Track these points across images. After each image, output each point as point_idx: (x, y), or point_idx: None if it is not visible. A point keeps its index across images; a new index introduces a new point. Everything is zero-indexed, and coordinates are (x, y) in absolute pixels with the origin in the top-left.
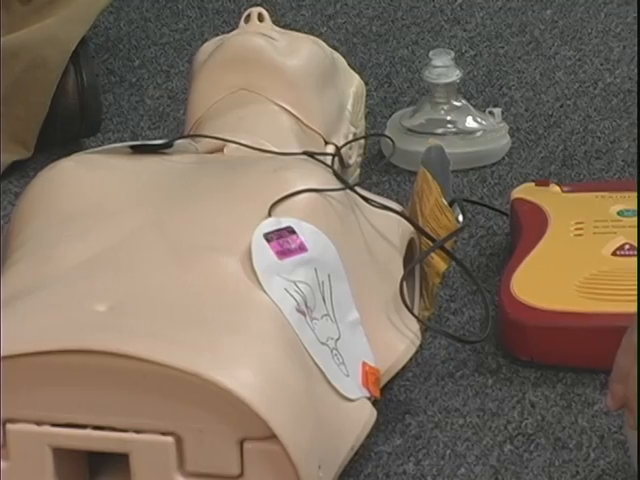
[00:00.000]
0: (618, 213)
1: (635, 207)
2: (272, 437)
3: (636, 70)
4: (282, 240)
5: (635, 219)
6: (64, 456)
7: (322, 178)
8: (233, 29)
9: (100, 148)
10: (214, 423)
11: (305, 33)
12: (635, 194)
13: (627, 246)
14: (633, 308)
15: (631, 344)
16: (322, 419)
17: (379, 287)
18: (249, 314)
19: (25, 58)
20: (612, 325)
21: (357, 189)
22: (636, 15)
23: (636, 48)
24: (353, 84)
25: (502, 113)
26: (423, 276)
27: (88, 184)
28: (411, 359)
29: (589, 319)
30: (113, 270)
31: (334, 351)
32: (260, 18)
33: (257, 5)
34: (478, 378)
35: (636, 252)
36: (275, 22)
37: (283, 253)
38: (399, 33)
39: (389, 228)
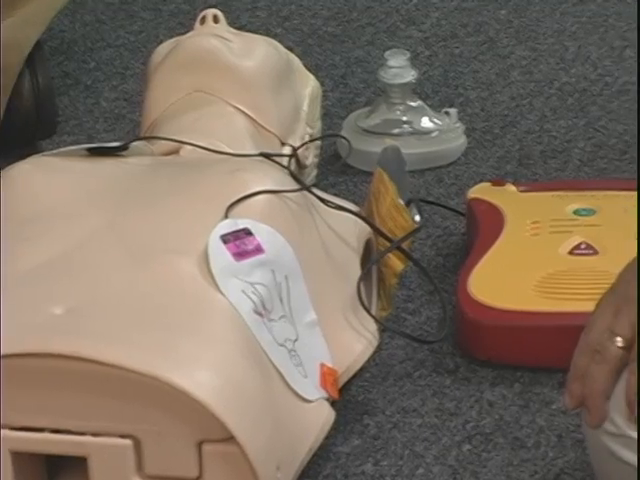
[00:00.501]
0: (574, 212)
1: (590, 206)
2: (230, 439)
3: (591, 69)
4: (239, 242)
5: (591, 218)
6: (23, 460)
7: (279, 179)
8: (188, 31)
9: (56, 151)
10: (172, 425)
11: (260, 34)
12: (591, 193)
13: (583, 245)
14: (590, 307)
15: (588, 343)
16: (280, 420)
17: (336, 288)
18: (206, 316)
19: None
20: (569, 324)
21: (314, 190)
22: (591, 15)
23: (590, 48)
24: (309, 85)
25: (458, 113)
26: (380, 276)
27: (44, 187)
28: (369, 359)
29: (546, 318)
30: (70, 273)
31: (292, 352)
32: (215, 20)
33: (212, 7)
34: (436, 378)
35: (592, 251)
36: (230, 24)
37: (240, 255)
38: (354, 34)
39: (346, 229)
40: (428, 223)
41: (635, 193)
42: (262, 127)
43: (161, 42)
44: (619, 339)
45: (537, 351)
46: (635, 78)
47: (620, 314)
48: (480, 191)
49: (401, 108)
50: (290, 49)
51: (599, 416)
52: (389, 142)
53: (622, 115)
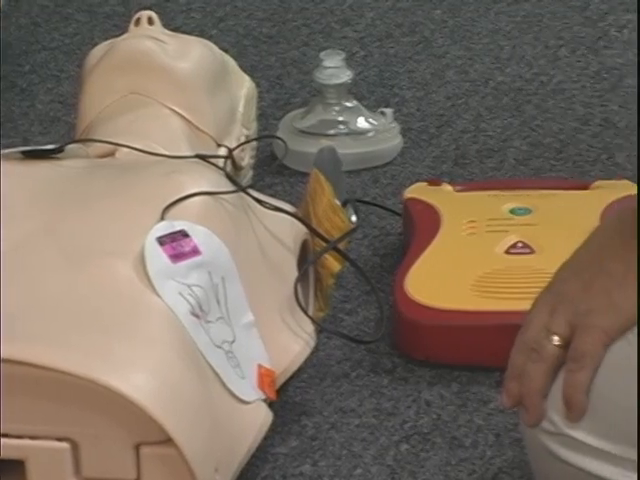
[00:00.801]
0: (510, 211)
1: (526, 205)
2: (168, 441)
3: (526, 69)
4: (175, 243)
5: (527, 217)
6: None
7: (214, 181)
8: (123, 33)
9: None
10: (110, 428)
11: (195, 36)
12: (527, 192)
13: (520, 244)
14: (526, 306)
15: (525, 342)
16: (218, 422)
17: (273, 289)
18: (143, 318)
19: None
20: (506, 323)
21: (250, 191)
22: (525, 14)
23: (525, 47)
24: (244, 86)
25: (394, 113)
26: (317, 277)
27: None
28: (306, 360)
29: (483, 317)
30: (6, 276)
31: (229, 354)
32: (150, 21)
33: (147, 8)
34: (374, 378)
35: (528, 250)
36: (165, 25)
37: (176, 256)
38: (289, 34)
39: (282, 230)
40: (364, 223)
41: (571, 192)
42: (198, 128)
43: (96, 44)
44: (556, 337)
45: (474, 350)
46: (569, 76)
47: (556, 312)
48: (416, 191)
49: (337, 108)
50: (225, 50)
51: (536, 415)
52: (325, 143)
53: (557, 114)
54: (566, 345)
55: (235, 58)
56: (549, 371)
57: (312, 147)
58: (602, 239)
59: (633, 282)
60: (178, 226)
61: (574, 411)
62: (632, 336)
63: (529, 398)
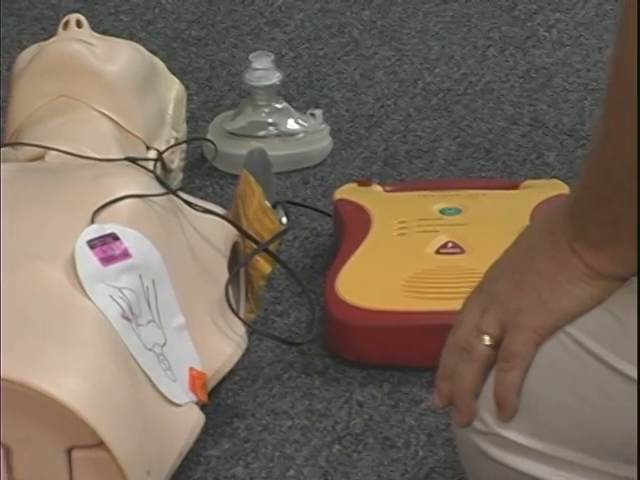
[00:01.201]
0: (440, 211)
1: (456, 205)
2: (100, 445)
3: (455, 69)
4: (106, 247)
5: (457, 217)
6: None
7: (144, 183)
8: (51, 36)
9: None
10: (41, 432)
11: (124, 38)
12: (456, 192)
13: (450, 244)
14: (457, 306)
15: (456, 342)
16: (150, 425)
17: (204, 291)
18: (74, 322)
19: None
20: (437, 323)
21: (180, 194)
22: (454, 14)
23: (454, 47)
24: (173, 88)
25: (323, 114)
26: (248, 279)
27: None
28: (238, 362)
29: (414, 318)
30: None
31: (160, 357)
32: (78, 24)
33: (75, 12)
34: (305, 379)
35: (459, 250)
36: (93, 28)
37: (107, 260)
38: (218, 36)
39: (213, 232)
40: (295, 225)
41: (501, 192)
42: (127, 131)
43: (24, 48)
44: (486, 337)
45: (406, 351)
46: (498, 76)
47: (487, 312)
48: (346, 192)
49: (266, 110)
50: (154, 53)
51: (468, 414)
52: (255, 144)
53: (486, 114)
54: (497, 345)
55: (164, 61)
56: (480, 371)
57: (242, 149)
58: (532, 239)
59: (563, 281)
60: (108, 229)
61: (505, 411)
62: (563, 335)
63: (460, 398)
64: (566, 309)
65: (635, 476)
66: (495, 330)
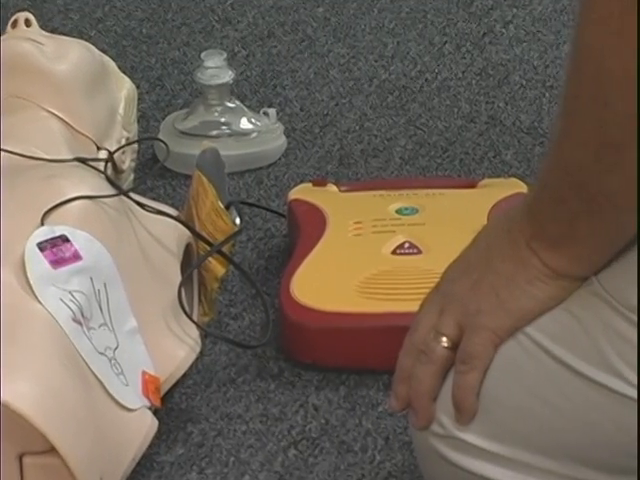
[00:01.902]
0: (397, 211)
1: (413, 205)
2: (52, 450)
3: (411, 66)
4: (56, 249)
5: (414, 217)
6: None
7: (95, 184)
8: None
9: None
10: None
11: (74, 37)
12: (413, 192)
13: (407, 244)
14: (414, 307)
15: (413, 343)
16: (102, 430)
17: (157, 294)
18: (24, 325)
19: None
20: (393, 325)
21: (131, 195)
22: (409, 10)
23: (409, 44)
24: (124, 87)
25: (277, 113)
26: (201, 281)
27: None
28: (192, 366)
29: (370, 319)
30: None
31: (112, 361)
32: (27, 23)
33: (23, 10)
34: (260, 383)
35: (416, 250)
36: (42, 27)
37: (57, 262)
38: (170, 34)
39: (165, 233)
40: (249, 226)
41: (458, 191)
42: (77, 131)
43: None
44: (444, 339)
45: (362, 353)
46: (454, 73)
47: (445, 313)
48: (301, 192)
49: (219, 109)
50: (104, 51)
51: (426, 417)
52: (207, 144)
53: (443, 112)
54: (455, 346)
55: (114, 59)
56: (438, 373)
57: (194, 149)
58: (490, 238)
59: (521, 281)
60: (58, 231)
61: (464, 413)
62: (522, 336)
63: (418, 401)
64: (525, 309)
65: (591, 478)
66: (453, 331)
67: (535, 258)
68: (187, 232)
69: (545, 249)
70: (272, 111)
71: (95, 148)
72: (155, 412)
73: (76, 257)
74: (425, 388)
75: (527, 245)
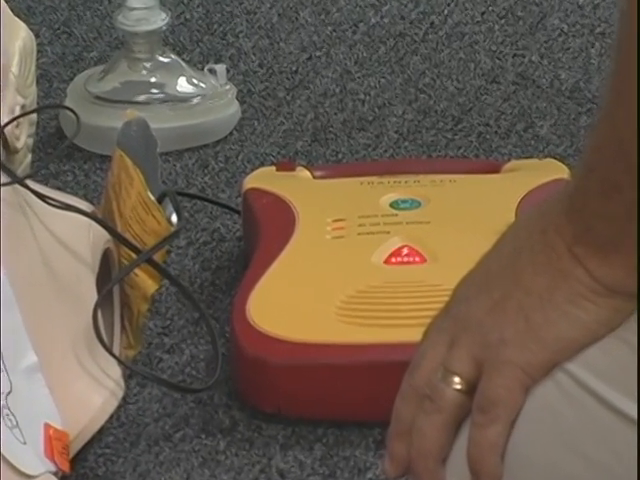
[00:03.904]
0: (392, 205)
1: (414, 196)
2: None
3: (411, 5)
4: None
5: (415, 213)
6: None
7: None
8: None
9: None
10: None
11: None
12: (414, 178)
13: (406, 250)
14: (415, 336)
15: (414, 385)
16: None
17: (64, 318)
18: None
19: None
20: (387, 360)
21: (29, 183)
22: None
23: None
24: (18, 37)
25: (227, 71)
26: (125, 301)
27: None
28: (112, 417)
29: (355, 353)
30: None
31: (5, 410)
32: None
33: None
34: (206, 440)
35: (418, 259)
36: None
37: None
38: None
39: (76, 236)
40: (190, 225)
41: (475, 178)
42: None
43: None
44: (456, 379)
45: (344, 399)
46: (471, 16)
47: (457, 345)
48: (261, 179)
49: (148, 66)
50: None
51: None
52: (132, 114)
53: (454, 69)
54: (471, 389)
55: (7, 1)
56: (448, 425)
57: (114, 120)
58: (518, 242)
59: (560, 300)
60: None
61: (483, 479)
62: (561, 375)
63: (421, 462)
64: (565, 339)
65: None
66: (468, 369)
67: (580, 269)
68: (105, 234)
69: (593, 256)
70: (221, 68)
71: None
72: (62, 479)
73: None
74: (431, 445)
75: (568, 251)
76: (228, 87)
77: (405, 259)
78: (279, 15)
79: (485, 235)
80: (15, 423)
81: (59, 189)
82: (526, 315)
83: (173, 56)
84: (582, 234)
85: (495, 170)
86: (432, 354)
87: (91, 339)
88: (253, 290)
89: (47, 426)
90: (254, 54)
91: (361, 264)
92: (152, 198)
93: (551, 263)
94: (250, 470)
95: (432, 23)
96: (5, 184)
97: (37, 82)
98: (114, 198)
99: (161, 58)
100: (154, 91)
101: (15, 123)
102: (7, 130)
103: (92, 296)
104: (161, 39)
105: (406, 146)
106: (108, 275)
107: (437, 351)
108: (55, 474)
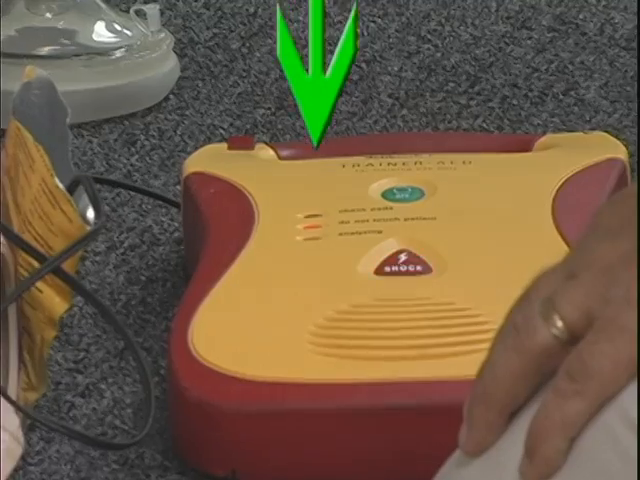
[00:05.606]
0: (385, 195)
1: (414, 183)
2: None
3: None
4: None
5: (416, 205)
6: None
7: None
8: None
9: None
10: None
11: None
12: (414, 159)
13: (404, 256)
14: (413, 372)
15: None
16: None
17: None
18: None
19: None
20: (378, 405)
21: None
22: None
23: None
24: None
25: (161, 13)
26: (25, 326)
27: None
28: None
29: (334, 395)
30: None
31: None
32: None
33: None
34: None
35: (420, 267)
36: None
37: None
38: None
39: None
40: (113, 223)
41: (498, 157)
42: None
43: None
44: (559, 323)
45: (321, 457)
46: None
47: (574, 282)
48: (207, 160)
49: (54, 6)
50: None
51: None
52: (33, 72)
53: (469, 10)
54: (570, 342)
55: None
56: (527, 373)
57: (9, 81)
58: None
59: None
60: None
61: (537, 464)
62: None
63: (481, 408)
64: None
65: None
66: (576, 316)
67: None
68: None
69: None
70: (152, 9)
71: None
72: None
73: None
74: (499, 391)
75: None
76: (162, 35)
77: (403, 268)
78: None
79: (510, 236)
80: None
81: None
82: None
83: None
84: None
85: (525, 147)
86: (546, 283)
87: None
88: (197, 311)
89: None
90: None
91: (343, 275)
92: (60, 186)
93: None
94: None
95: None
96: None
97: None
98: (9, 187)
99: None
100: (63, 41)
101: None
102: None
103: None
104: None
105: (404, 115)
106: (1, 291)
107: (552, 280)
108: None
